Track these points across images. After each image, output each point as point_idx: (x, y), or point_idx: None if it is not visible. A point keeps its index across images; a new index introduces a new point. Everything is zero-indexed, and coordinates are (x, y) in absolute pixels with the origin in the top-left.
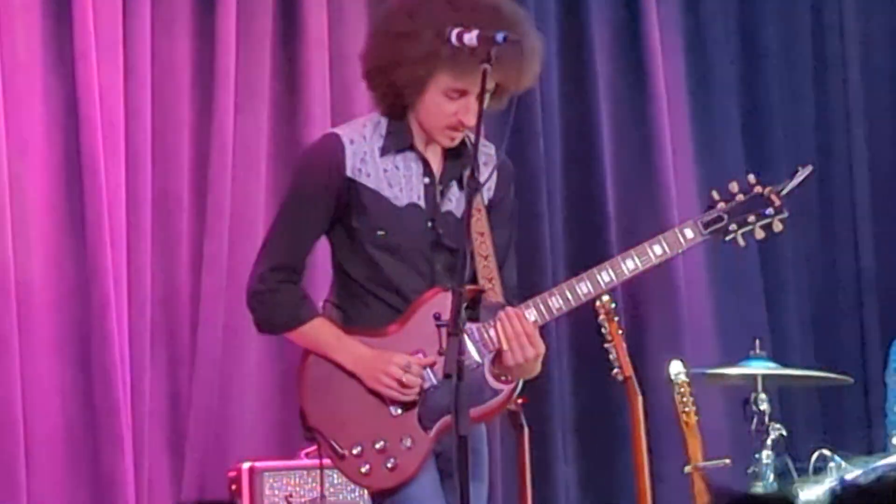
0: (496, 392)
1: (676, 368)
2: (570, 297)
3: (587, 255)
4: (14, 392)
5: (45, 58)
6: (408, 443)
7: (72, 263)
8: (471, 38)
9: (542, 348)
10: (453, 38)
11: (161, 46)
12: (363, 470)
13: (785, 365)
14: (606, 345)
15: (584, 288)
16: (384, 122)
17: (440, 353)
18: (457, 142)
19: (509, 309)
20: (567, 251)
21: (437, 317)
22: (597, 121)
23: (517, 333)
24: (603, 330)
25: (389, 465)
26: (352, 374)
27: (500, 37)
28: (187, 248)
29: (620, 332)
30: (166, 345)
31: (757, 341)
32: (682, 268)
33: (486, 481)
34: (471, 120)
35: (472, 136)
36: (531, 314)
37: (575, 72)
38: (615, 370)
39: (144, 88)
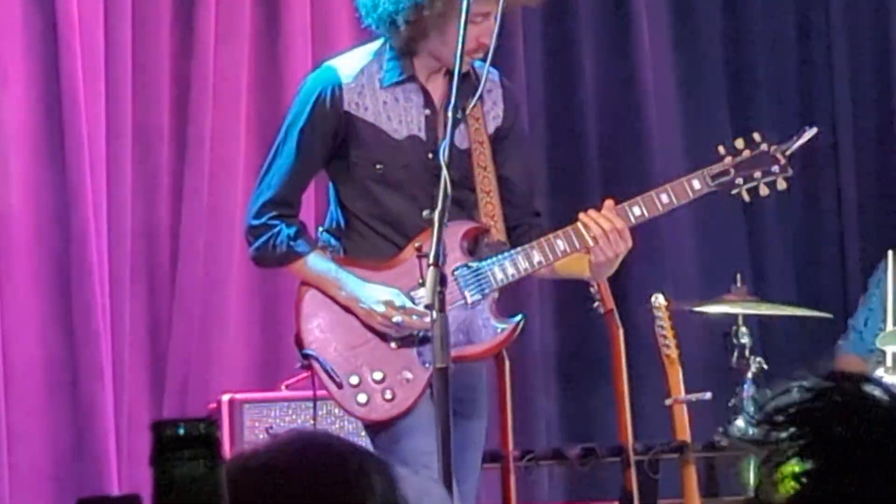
0: (496, 330)
1: (657, 301)
2: (575, 240)
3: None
4: None
5: None
6: (408, 375)
7: (51, 193)
8: None
9: (630, 243)
10: None
11: None
12: (361, 399)
13: (765, 299)
14: None
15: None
16: (385, 53)
17: (421, 285)
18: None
19: (593, 211)
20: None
21: (418, 249)
22: (581, 79)
23: (609, 230)
24: None
25: (388, 397)
26: (347, 308)
27: None
28: (167, 179)
29: None
30: (146, 276)
31: (738, 275)
32: None
33: (485, 419)
34: (489, 39)
35: (472, 65)
36: (536, 255)
37: (559, 33)
38: (596, 303)
39: (125, 18)
